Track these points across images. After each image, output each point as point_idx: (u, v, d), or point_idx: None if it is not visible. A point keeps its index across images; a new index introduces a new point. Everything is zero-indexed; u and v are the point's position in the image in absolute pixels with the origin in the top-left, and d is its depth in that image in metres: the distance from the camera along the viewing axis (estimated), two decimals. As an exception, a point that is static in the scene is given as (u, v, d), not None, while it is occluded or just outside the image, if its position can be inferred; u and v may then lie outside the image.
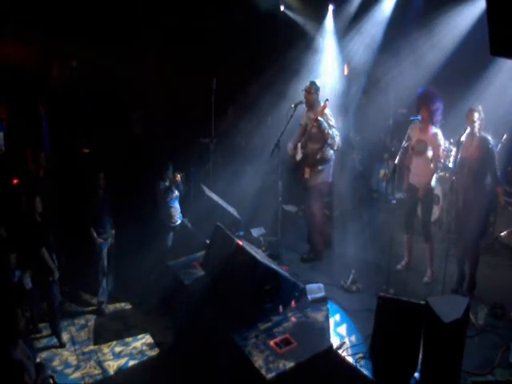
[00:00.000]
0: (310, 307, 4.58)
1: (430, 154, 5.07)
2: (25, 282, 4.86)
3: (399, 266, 5.46)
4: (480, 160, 4.66)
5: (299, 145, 5.64)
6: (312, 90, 5.52)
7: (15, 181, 6.01)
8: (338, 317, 4.48)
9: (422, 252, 5.54)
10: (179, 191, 6.27)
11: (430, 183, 5.14)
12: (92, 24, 7.12)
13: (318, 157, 5.53)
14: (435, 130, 5.11)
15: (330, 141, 5.44)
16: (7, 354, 3.44)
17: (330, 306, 4.66)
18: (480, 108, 4.66)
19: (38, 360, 3.95)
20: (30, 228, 4.96)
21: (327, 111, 5.43)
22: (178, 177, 6.13)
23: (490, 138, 4.71)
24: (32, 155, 5.80)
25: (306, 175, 5.59)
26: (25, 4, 6.69)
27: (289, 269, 5.26)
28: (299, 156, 5.64)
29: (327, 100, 5.38)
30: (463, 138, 4.70)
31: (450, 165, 5.86)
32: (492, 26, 3.19)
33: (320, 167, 5.58)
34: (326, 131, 5.37)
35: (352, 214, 6.82)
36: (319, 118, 5.34)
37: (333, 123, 5.49)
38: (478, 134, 4.68)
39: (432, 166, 5.10)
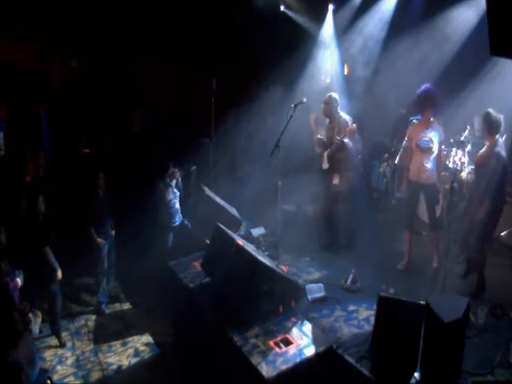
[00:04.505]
0: (309, 307, 4.58)
1: (434, 149, 5.14)
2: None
3: (399, 266, 5.47)
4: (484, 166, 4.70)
5: (325, 154, 5.82)
6: (329, 101, 5.71)
7: (15, 181, 6.01)
8: (337, 317, 4.47)
9: (422, 252, 5.56)
10: (178, 190, 6.27)
11: (435, 178, 5.21)
12: (92, 24, 7.12)
13: (346, 165, 5.72)
14: (437, 125, 5.19)
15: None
16: (4, 355, 3.45)
17: (330, 305, 4.66)
18: (478, 117, 4.75)
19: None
20: (33, 227, 4.97)
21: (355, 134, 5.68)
22: (177, 173, 6.13)
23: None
24: (32, 155, 5.80)
25: (335, 181, 5.77)
26: (25, 4, 6.69)
27: (289, 269, 5.26)
28: (326, 165, 5.85)
29: (354, 123, 5.62)
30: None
31: (450, 165, 5.87)
32: (492, 26, 3.18)
33: (349, 174, 5.78)
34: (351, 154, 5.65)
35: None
36: (345, 140, 5.57)
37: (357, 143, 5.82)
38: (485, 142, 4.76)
39: (436, 161, 5.19)
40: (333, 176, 5.79)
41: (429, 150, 5.13)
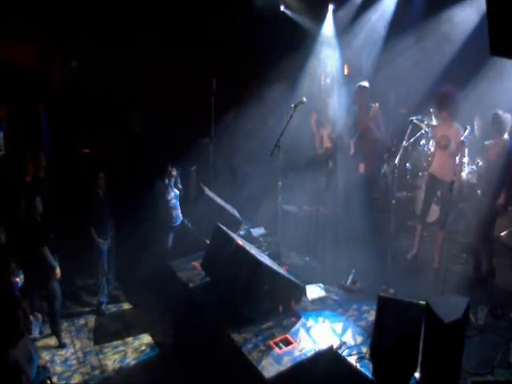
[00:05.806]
0: (309, 307, 4.58)
1: (452, 148, 5.28)
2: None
3: (408, 256, 5.70)
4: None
5: (352, 142, 6.07)
6: (358, 90, 6.00)
7: (15, 181, 6.01)
8: (337, 317, 4.47)
9: (422, 252, 5.58)
10: (178, 189, 6.27)
11: (452, 176, 5.29)
12: (92, 24, 7.12)
13: (371, 149, 5.96)
14: (457, 125, 5.31)
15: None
16: (4, 354, 3.45)
17: (330, 305, 4.66)
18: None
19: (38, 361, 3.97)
20: (30, 227, 4.97)
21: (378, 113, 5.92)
22: (174, 171, 6.16)
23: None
24: (32, 155, 5.80)
25: (360, 167, 6.05)
26: (25, 4, 6.68)
27: (289, 269, 5.25)
28: (352, 150, 6.11)
29: (378, 104, 5.83)
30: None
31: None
32: (492, 26, 3.18)
33: (372, 159, 6.06)
34: (377, 136, 5.89)
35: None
36: (370, 124, 5.83)
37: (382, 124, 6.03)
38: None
39: (455, 160, 5.33)
40: (357, 161, 6.05)
41: (446, 149, 5.31)
